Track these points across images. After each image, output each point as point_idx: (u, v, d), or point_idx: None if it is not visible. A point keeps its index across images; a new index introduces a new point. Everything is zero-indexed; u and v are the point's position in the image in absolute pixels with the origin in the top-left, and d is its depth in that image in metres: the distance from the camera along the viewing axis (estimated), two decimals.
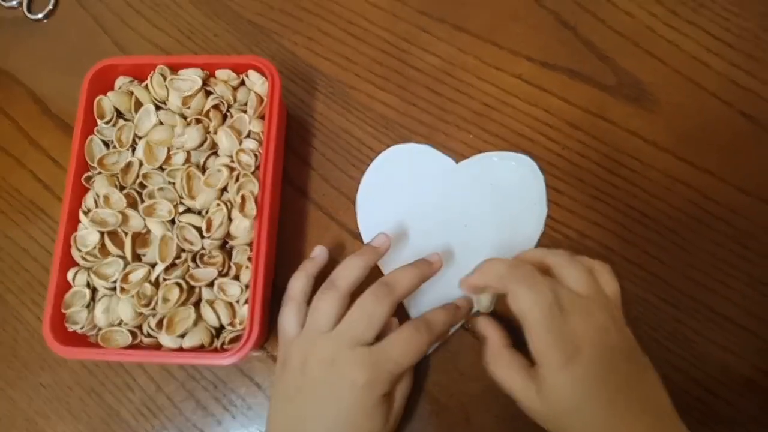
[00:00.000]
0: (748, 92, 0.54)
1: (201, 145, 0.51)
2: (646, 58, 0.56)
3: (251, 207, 0.48)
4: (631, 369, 0.41)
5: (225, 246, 0.50)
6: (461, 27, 0.59)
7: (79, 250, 0.49)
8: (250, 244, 0.49)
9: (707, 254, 0.50)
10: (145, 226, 0.50)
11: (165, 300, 0.47)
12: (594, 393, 0.39)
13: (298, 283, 0.47)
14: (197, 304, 0.49)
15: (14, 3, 0.64)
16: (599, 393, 0.39)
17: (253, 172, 0.50)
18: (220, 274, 0.49)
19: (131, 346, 0.48)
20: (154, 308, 0.48)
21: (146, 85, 0.52)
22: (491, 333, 0.46)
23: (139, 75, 0.54)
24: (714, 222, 0.51)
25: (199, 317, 0.48)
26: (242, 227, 0.48)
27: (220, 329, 0.49)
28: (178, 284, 0.48)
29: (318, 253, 0.49)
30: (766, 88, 0.54)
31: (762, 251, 0.50)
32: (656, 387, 0.41)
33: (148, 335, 0.48)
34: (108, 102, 0.52)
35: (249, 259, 0.49)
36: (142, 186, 0.51)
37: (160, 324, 0.47)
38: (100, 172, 0.51)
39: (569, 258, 0.43)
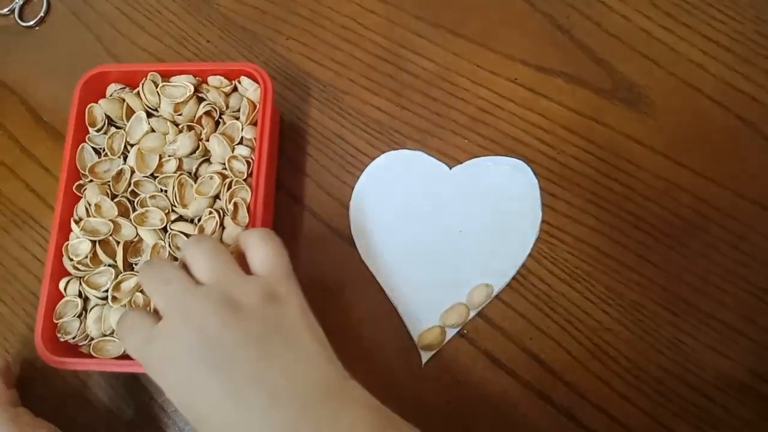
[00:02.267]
0: (744, 95, 0.54)
1: (193, 152, 0.50)
2: (641, 61, 0.56)
3: (244, 214, 0.47)
4: (251, 357, 0.35)
5: None
6: (456, 32, 0.58)
7: (71, 259, 0.48)
8: None
9: (703, 258, 0.50)
10: (137, 234, 0.49)
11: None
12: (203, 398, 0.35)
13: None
14: None
15: (6, 10, 0.64)
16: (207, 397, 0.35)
17: (245, 179, 0.49)
18: None
19: (124, 356, 0.47)
20: None
21: (138, 92, 0.52)
22: None
23: (131, 82, 0.53)
24: (710, 226, 0.51)
25: None
26: (235, 235, 0.48)
27: None
28: None
29: None
30: (763, 92, 0.53)
31: (759, 256, 0.50)
32: (294, 371, 0.35)
33: None
34: (99, 110, 0.52)
35: None
36: (134, 194, 0.50)
37: None
38: (91, 181, 0.51)
39: (195, 241, 0.40)
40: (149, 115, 0.52)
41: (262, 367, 0.35)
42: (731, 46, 0.55)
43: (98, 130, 0.52)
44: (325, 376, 0.36)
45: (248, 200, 0.48)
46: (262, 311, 0.36)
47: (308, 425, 0.34)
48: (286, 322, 0.37)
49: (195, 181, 0.49)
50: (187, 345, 0.35)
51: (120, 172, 0.50)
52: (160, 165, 0.51)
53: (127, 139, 0.51)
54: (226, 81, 0.53)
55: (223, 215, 0.49)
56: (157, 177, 0.50)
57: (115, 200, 0.50)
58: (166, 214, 0.49)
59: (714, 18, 0.56)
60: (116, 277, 0.48)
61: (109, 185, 0.51)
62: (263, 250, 0.39)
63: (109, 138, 0.51)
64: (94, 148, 0.52)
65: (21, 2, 0.64)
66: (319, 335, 0.38)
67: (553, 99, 0.55)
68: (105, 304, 0.48)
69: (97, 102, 0.52)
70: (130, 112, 0.52)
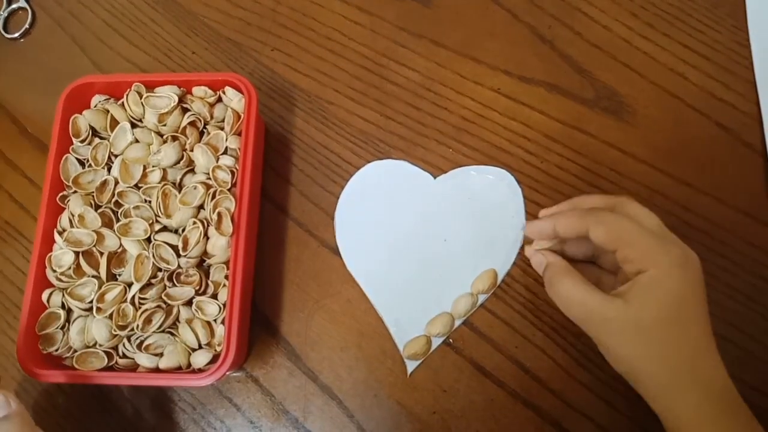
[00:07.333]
0: (724, 104, 0.54)
1: (177, 162, 0.50)
2: (623, 70, 0.56)
3: (228, 224, 0.47)
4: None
5: (202, 264, 0.50)
6: (439, 42, 0.59)
7: (54, 271, 0.48)
8: (227, 262, 0.48)
9: None
10: (121, 245, 0.49)
11: (147, 321, 0.47)
12: (697, 308, 0.38)
13: None
14: (175, 325, 0.48)
15: None
16: (699, 310, 0.38)
17: (229, 189, 0.49)
18: (197, 293, 0.48)
19: (107, 368, 0.47)
20: (133, 330, 0.47)
21: (122, 102, 0.52)
22: (552, 257, 0.44)
23: (116, 93, 0.54)
24: (692, 233, 0.51)
25: (177, 339, 0.47)
26: (219, 245, 0.48)
27: (198, 349, 0.48)
28: (161, 307, 0.47)
29: None
30: (742, 100, 0.54)
31: (740, 261, 0.50)
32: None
33: (124, 356, 0.47)
34: (83, 120, 0.52)
35: (227, 277, 0.48)
36: (118, 204, 0.50)
37: (140, 344, 0.47)
38: (75, 191, 0.51)
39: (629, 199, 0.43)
40: (133, 125, 0.52)
41: None
42: (711, 55, 0.56)
43: (82, 141, 0.52)
44: None
45: (232, 210, 0.48)
46: None
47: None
48: None
49: (179, 192, 0.49)
50: None
51: (104, 183, 0.50)
52: (144, 175, 0.51)
53: (111, 150, 0.51)
54: (210, 91, 0.53)
55: (207, 225, 0.49)
56: (141, 187, 0.50)
57: (99, 211, 0.50)
58: (150, 225, 0.49)
59: (694, 28, 0.57)
60: (99, 288, 0.48)
61: (92, 196, 0.50)
62: None
63: (93, 149, 0.51)
64: (78, 159, 0.52)
65: (6, 14, 0.64)
66: None
67: (536, 108, 0.56)
68: (88, 316, 0.48)
69: (81, 113, 0.52)
70: (115, 122, 0.52)
